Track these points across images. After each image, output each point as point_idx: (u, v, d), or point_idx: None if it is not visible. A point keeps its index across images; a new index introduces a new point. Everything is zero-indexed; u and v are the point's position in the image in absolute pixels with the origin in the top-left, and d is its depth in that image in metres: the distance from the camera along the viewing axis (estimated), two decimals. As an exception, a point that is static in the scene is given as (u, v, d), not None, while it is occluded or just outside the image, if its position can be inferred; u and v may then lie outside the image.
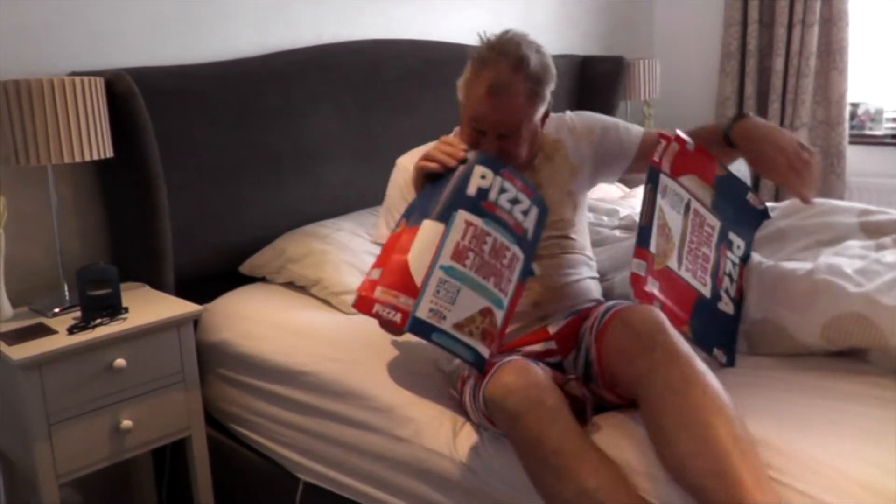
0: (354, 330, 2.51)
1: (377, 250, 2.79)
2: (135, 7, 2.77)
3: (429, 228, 1.79)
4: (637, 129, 2.34)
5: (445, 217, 1.80)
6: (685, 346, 1.75)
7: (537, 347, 2.10)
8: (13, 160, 2.27)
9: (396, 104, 3.41)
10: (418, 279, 1.73)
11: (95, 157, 2.34)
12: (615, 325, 1.87)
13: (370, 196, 3.20)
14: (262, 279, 2.92)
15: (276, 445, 2.49)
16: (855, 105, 4.67)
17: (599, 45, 4.89)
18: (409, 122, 3.42)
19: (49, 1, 2.57)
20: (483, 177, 1.86)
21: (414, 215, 1.86)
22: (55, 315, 2.40)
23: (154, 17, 2.82)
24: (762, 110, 4.84)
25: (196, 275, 2.81)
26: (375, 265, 1.81)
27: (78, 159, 2.29)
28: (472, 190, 1.84)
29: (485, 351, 1.75)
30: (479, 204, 1.83)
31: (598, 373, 1.94)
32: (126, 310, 2.37)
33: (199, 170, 2.81)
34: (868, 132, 4.67)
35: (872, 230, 2.61)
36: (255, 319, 2.64)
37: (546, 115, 2.16)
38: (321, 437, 2.34)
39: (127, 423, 2.31)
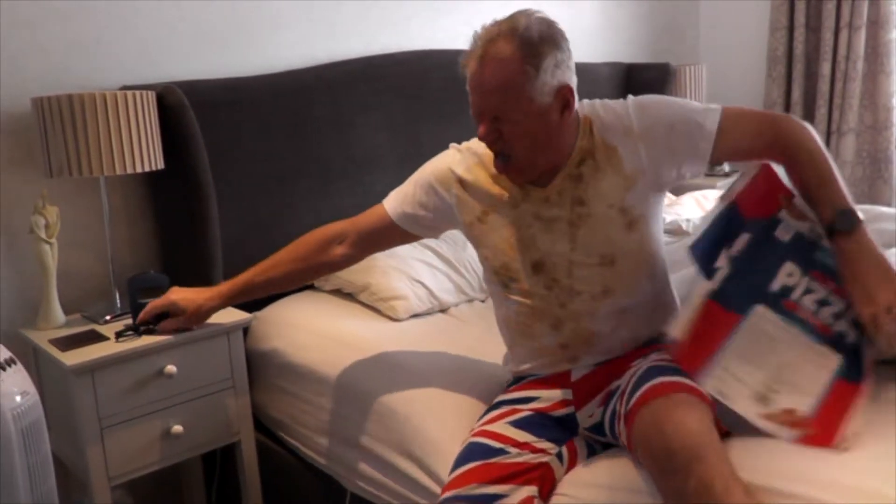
0: (401, 338, 2.53)
1: (424, 256, 2.86)
2: (185, 20, 2.83)
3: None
4: (712, 122, 1.87)
5: (744, 308, 1.79)
6: (723, 471, 1.49)
7: (555, 395, 1.96)
8: (66, 172, 2.31)
9: (443, 113, 3.43)
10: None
11: (147, 169, 2.40)
12: (648, 424, 1.61)
13: (416, 204, 3.23)
14: (311, 287, 2.95)
15: (321, 458, 2.48)
16: (903, 109, 4.59)
17: (645, 52, 4.88)
18: (454, 131, 3.40)
19: (100, 16, 2.63)
20: (790, 274, 1.84)
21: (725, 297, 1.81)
22: (106, 322, 2.46)
23: (204, 30, 2.88)
24: (809, 115, 4.80)
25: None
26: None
27: (130, 171, 2.34)
28: (776, 286, 1.83)
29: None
30: (780, 302, 1.81)
31: (624, 443, 1.77)
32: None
33: (248, 179, 2.84)
34: (917, 136, 4.59)
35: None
36: (304, 328, 2.65)
37: (567, 110, 1.84)
38: (366, 455, 2.28)
39: (177, 428, 2.35)
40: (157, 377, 2.31)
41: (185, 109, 2.54)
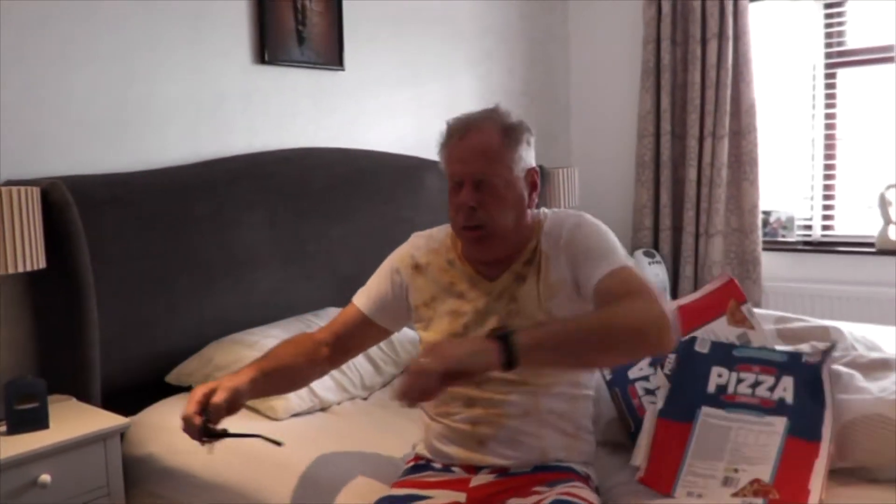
0: (283, 439, 2.45)
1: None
2: (71, 113, 2.79)
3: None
4: (601, 272, 1.88)
5: (690, 415, 2.14)
6: None
7: (448, 496, 1.91)
8: (-58, 271, 2.22)
9: (327, 212, 3.44)
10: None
11: (28, 269, 2.33)
12: None
13: (300, 303, 3.22)
14: (189, 388, 2.87)
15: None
16: (767, 213, 4.84)
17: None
18: (339, 230, 3.45)
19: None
20: (720, 375, 2.19)
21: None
22: (-22, 429, 2.34)
23: (90, 122, 2.84)
24: (678, 217, 5.01)
25: (124, 385, 2.76)
26: None
27: (11, 271, 2.27)
28: (711, 388, 2.17)
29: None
30: (720, 398, 2.15)
31: None
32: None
33: (130, 278, 2.78)
34: (781, 238, 4.84)
35: (790, 337, 2.72)
36: (181, 432, 2.57)
37: (535, 191, 2.01)
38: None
39: (51, 540, 2.24)
40: (30, 488, 2.21)
41: (69, 207, 2.49)
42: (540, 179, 2.04)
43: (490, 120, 1.97)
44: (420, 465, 2.07)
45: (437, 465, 2.03)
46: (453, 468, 2.00)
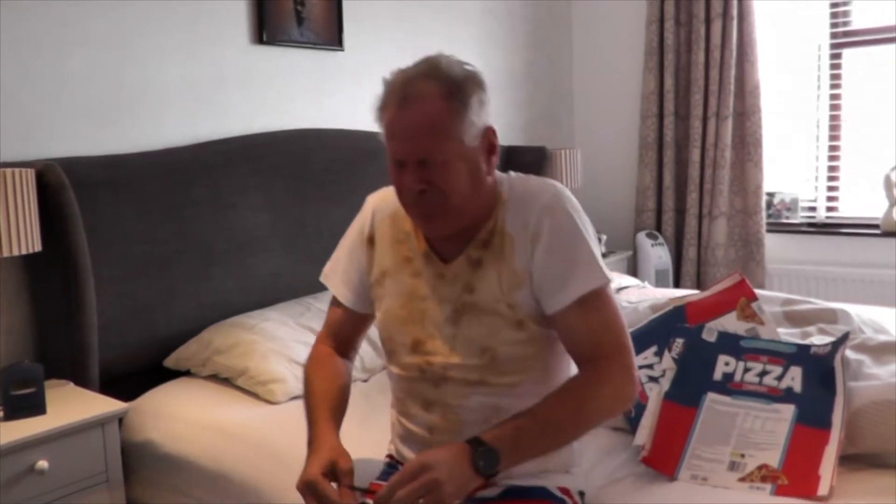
0: (281, 423, 2.47)
1: (305, 337, 2.80)
2: (66, 95, 2.75)
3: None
4: (570, 296, 1.68)
5: (696, 401, 2.16)
6: None
7: None
8: (-65, 254, 2.19)
9: (327, 194, 3.42)
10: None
11: (24, 252, 2.29)
12: None
13: (300, 286, 3.19)
14: (187, 373, 2.85)
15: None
16: (771, 195, 4.82)
17: (523, 137, 4.98)
18: (339, 212, 3.41)
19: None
20: (727, 363, 2.23)
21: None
22: (-25, 415, 2.32)
23: (86, 105, 2.80)
24: (681, 199, 4.99)
25: (123, 369, 2.75)
26: None
27: (6, 254, 2.23)
28: (717, 376, 2.21)
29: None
30: (726, 386, 2.18)
31: None
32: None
33: (128, 262, 2.76)
34: (785, 220, 4.82)
35: (798, 319, 2.70)
36: (180, 418, 2.56)
37: (493, 154, 1.73)
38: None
39: (49, 526, 2.22)
40: (27, 474, 2.19)
41: (64, 189, 2.46)
42: (497, 139, 1.74)
43: (432, 81, 1.65)
44: (391, 465, 1.95)
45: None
46: None
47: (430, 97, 1.64)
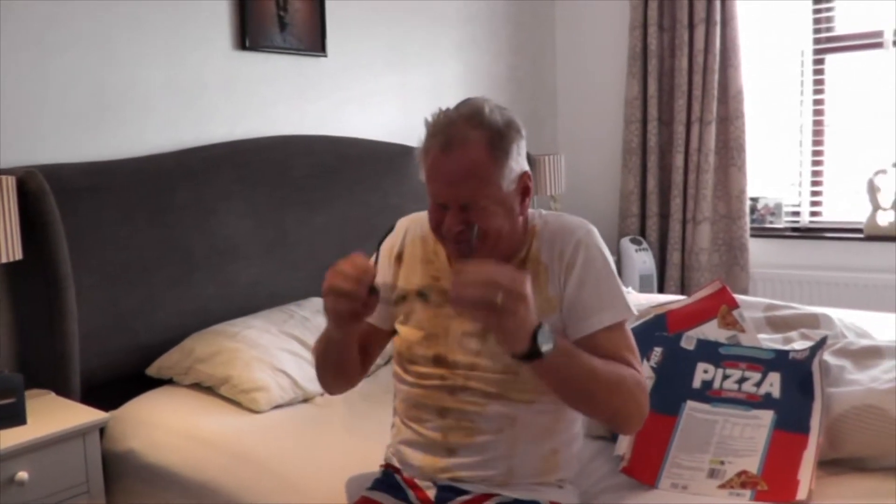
0: (263, 432, 2.46)
1: (290, 345, 2.81)
2: (48, 100, 2.73)
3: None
4: (601, 322, 1.76)
5: (675, 409, 2.17)
6: None
7: None
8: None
9: (310, 200, 3.41)
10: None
11: (5, 260, 2.28)
12: None
13: (282, 294, 3.19)
14: (170, 381, 2.83)
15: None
16: (755, 199, 4.83)
17: (506, 141, 4.96)
18: (322, 219, 3.41)
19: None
20: (705, 371, 2.24)
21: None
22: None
23: (67, 110, 2.79)
24: (664, 204, 4.99)
25: (105, 378, 2.73)
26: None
27: (-14, 262, 2.22)
28: (696, 384, 2.22)
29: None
30: (705, 393, 2.19)
31: None
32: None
33: (110, 269, 2.74)
34: (769, 225, 4.83)
35: (780, 325, 2.70)
36: (162, 427, 2.55)
37: (527, 196, 1.80)
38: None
39: (29, 538, 2.20)
40: (7, 486, 2.18)
41: (46, 196, 2.45)
42: (532, 182, 1.81)
43: (476, 128, 1.70)
44: (387, 474, 1.95)
45: (399, 479, 1.90)
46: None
47: (474, 144, 1.70)
